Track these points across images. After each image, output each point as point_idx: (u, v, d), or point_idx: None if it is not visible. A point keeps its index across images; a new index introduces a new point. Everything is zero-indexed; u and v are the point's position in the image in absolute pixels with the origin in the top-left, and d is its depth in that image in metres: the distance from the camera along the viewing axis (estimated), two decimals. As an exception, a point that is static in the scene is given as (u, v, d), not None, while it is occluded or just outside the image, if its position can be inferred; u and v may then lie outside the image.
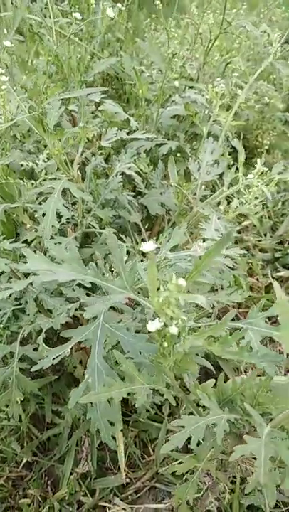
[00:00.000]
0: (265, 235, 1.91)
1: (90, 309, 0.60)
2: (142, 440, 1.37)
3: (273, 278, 1.68)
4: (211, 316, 1.31)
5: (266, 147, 2.41)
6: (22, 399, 1.10)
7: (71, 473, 1.28)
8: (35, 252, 0.62)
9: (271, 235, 1.92)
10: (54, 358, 0.75)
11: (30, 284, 1.00)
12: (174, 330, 0.57)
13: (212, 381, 0.68)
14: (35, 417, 1.40)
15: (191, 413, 0.74)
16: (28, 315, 1.16)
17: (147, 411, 1.28)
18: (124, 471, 1.22)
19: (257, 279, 1.66)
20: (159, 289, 0.55)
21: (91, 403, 1.06)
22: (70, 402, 0.72)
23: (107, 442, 0.69)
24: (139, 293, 0.71)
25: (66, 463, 1.29)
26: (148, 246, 0.51)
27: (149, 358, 0.71)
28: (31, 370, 0.79)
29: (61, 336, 1.37)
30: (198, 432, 0.58)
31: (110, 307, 0.75)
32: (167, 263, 0.81)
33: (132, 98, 1.77)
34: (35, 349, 1.12)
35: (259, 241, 1.84)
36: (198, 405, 0.74)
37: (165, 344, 0.61)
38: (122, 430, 1.22)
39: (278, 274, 1.68)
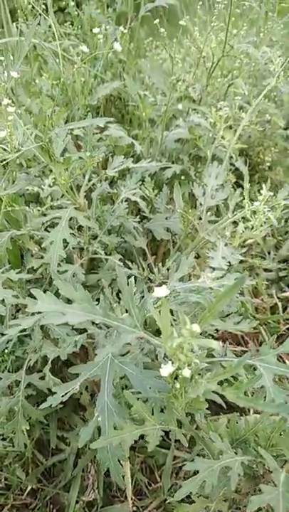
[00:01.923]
0: (268, 253, 1.90)
1: (101, 352, 0.59)
2: (148, 466, 1.35)
3: (278, 298, 1.67)
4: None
5: (268, 164, 2.42)
6: (28, 428, 1.09)
7: (77, 502, 1.26)
8: (45, 291, 0.61)
9: (275, 253, 1.91)
10: (63, 395, 0.74)
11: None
12: (186, 373, 0.56)
13: (224, 420, 0.67)
14: (39, 443, 1.39)
15: (202, 449, 0.73)
16: (34, 341, 1.15)
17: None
18: (131, 499, 1.20)
19: (262, 300, 1.65)
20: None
21: None
22: (80, 441, 0.71)
23: (117, 481, 0.68)
24: (149, 329, 0.70)
25: (72, 490, 1.27)
26: (161, 291, 0.51)
27: (159, 396, 0.70)
28: (40, 406, 0.77)
29: (67, 361, 1.36)
30: (212, 476, 0.57)
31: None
32: (176, 296, 0.80)
33: (135, 119, 1.78)
34: (42, 378, 1.11)
35: (263, 259, 1.84)
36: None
37: (177, 385, 0.60)
38: (128, 457, 1.21)
39: (283, 294, 1.67)
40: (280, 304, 1.65)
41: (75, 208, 0.99)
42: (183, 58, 1.68)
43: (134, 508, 1.25)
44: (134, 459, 1.32)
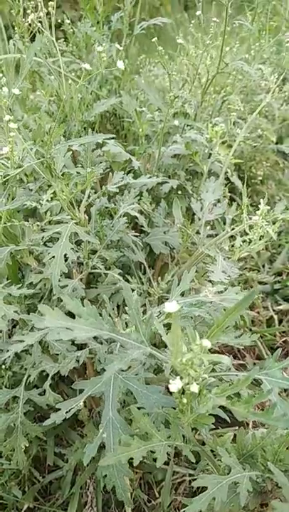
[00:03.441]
0: (263, 266, 1.92)
1: (109, 369, 0.59)
2: (147, 482, 1.34)
3: (274, 311, 1.68)
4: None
5: (260, 178, 2.45)
6: (27, 444, 1.07)
7: (75, 520, 1.24)
8: (52, 308, 0.61)
9: (269, 266, 1.93)
10: (67, 412, 0.74)
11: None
12: (194, 388, 0.56)
13: (230, 434, 0.67)
14: (36, 460, 1.37)
15: (206, 465, 0.72)
16: (31, 355, 1.14)
17: (152, 452, 1.26)
18: (131, 516, 1.19)
19: (258, 312, 1.66)
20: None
21: None
22: (85, 458, 0.70)
23: (123, 500, 0.68)
24: (155, 344, 0.70)
25: (70, 508, 1.25)
26: (171, 307, 0.51)
27: (165, 412, 0.70)
28: (44, 423, 0.77)
29: (64, 377, 1.35)
30: (221, 492, 0.57)
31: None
32: (180, 311, 0.80)
33: (130, 134, 1.80)
34: (40, 394, 1.10)
35: (258, 272, 1.85)
36: (214, 456, 0.73)
37: (184, 401, 0.60)
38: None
39: (279, 307, 1.68)
40: (276, 317, 1.66)
41: (75, 223, 1.00)
42: (177, 75, 1.70)
43: (133, 526, 1.24)
44: (132, 474, 1.31)
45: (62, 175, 0.97)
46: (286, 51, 1.45)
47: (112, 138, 1.13)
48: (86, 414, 1.25)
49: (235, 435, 0.74)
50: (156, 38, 1.22)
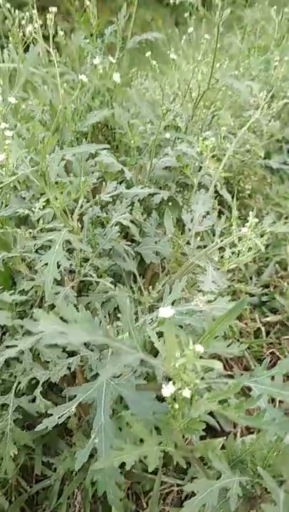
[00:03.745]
0: (251, 278, 1.94)
1: (104, 372, 0.60)
2: (134, 492, 1.34)
3: (261, 323, 1.70)
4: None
5: (248, 192, 2.50)
6: (16, 452, 1.07)
7: (62, 530, 1.23)
8: (49, 308, 0.62)
9: (257, 279, 1.96)
10: (59, 417, 0.74)
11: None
12: (186, 393, 0.57)
13: (219, 440, 0.68)
14: (23, 469, 1.36)
15: (196, 472, 0.73)
16: (21, 362, 1.14)
17: (140, 461, 1.26)
18: (118, 526, 1.18)
19: (246, 324, 1.68)
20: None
21: None
22: (77, 464, 0.71)
23: (114, 506, 0.68)
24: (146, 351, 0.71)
25: (57, 519, 1.24)
26: (166, 312, 0.53)
27: (156, 418, 0.71)
28: (36, 429, 0.77)
29: (53, 385, 1.35)
30: (212, 497, 0.58)
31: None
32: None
33: (122, 146, 1.82)
34: (30, 401, 1.10)
35: (246, 284, 1.88)
36: (204, 463, 0.74)
37: (176, 406, 0.62)
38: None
39: (266, 319, 1.71)
40: (263, 329, 1.68)
41: (69, 231, 1.01)
42: (169, 88, 1.74)
43: (121, 536, 1.23)
44: (123, 481, 1.30)
45: (56, 183, 0.98)
46: (274, 69, 1.49)
47: (106, 148, 1.14)
48: (75, 422, 1.25)
49: (224, 444, 0.75)
50: (149, 53, 1.25)
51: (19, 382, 1.07)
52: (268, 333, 1.69)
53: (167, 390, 0.56)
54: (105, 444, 0.70)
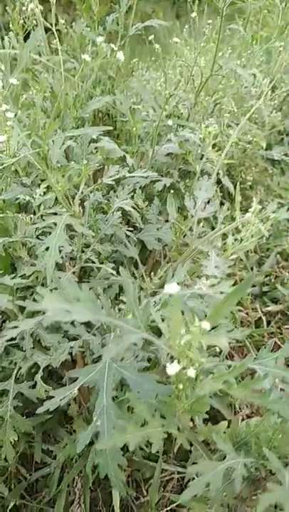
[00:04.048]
0: (251, 268, 1.94)
1: (107, 351, 0.59)
2: (134, 480, 1.33)
3: (262, 312, 1.70)
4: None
5: (249, 183, 2.48)
6: (16, 438, 1.06)
7: (62, 518, 1.23)
8: (51, 290, 0.61)
9: (258, 269, 1.95)
10: (61, 400, 0.73)
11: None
12: (191, 373, 0.57)
13: (224, 423, 0.67)
14: (23, 457, 1.35)
15: (200, 456, 0.72)
16: (23, 351, 1.13)
17: (141, 449, 1.25)
18: (118, 514, 1.18)
19: (247, 314, 1.67)
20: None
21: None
22: (79, 446, 0.70)
23: (117, 488, 0.67)
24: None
25: (57, 506, 1.23)
26: (172, 288, 0.52)
27: (158, 400, 0.70)
28: (37, 411, 0.76)
29: (53, 372, 1.34)
30: (216, 478, 0.57)
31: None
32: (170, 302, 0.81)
33: (123, 134, 1.81)
34: (31, 387, 1.09)
35: (247, 272, 1.87)
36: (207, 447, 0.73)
37: (180, 386, 0.61)
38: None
39: (267, 308, 1.70)
40: (264, 318, 1.67)
41: (70, 216, 1.00)
42: (171, 74, 1.72)
43: (121, 524, 1.23)
44: (125, 462, 1.29)
45: (58, 167, 0.97)
46: (278, 55, 1.48)
47: (108, 131, 1.13)
48: (76, 409, 1.25)
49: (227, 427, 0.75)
50: (152, 36, 1.24)
51: (20, 368, 1.06)
52: (268, 322, 1.68)
53: (172, 368, 0.55)
54: (108, 426, 0.69)
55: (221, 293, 0.87)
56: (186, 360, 0.54)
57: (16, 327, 0.70)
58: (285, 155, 2.63)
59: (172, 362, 0.57)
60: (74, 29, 1.94)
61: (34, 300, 0.93)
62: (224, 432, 0.72)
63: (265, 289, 1.82)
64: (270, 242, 2.04)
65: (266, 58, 2.66)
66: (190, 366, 0.56)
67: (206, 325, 0.51)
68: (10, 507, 1.26)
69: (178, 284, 0.88)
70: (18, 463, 1.32)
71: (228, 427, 0.70)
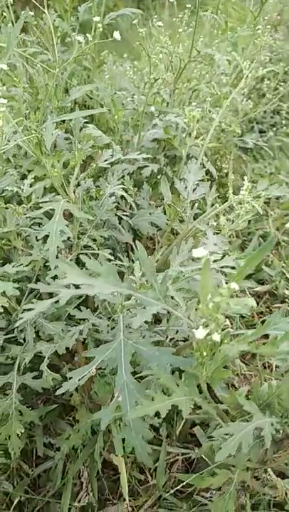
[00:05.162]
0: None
1: (136, 320, 0.59)
2: (138, 466, 1.34)
3: (250, 294, 1.73)
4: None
5: (225, 171, 2.52)
6: (22, 431, 1.05)
7: (69, 508, 1.22)
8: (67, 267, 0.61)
9: (241, 253, 1.98)
10: (79, 379, 0.73)
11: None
12: (216, 337, 0.58)
13: (244, 389, 0.69)
14: (23, 452, 1.33)
15: (218, 425, 0.74)
16: (21, 344, 1.12)
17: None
18: (124, 499, 1.18)
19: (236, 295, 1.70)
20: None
21: (119, 424, 1.04)
22: (102, 422, 0.70)
23: (144, 461, 0.68)
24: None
25: (64, 497, 1.22)
26: (200, 252, 0.52)
27: (180, 370, 0.71)
28: (56, 393, 0.76)
29: (50, 365, 1.33)
30: (247, 437, 0.58)
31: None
32: (183, 278, 0.82)
33: (101, 124, 1.80)
34: (35, 377, 1.08)
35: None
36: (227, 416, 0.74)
37: (204, 353, 0.62)
38: (122, 456, 1.19)
39: (255, 289, 1.73)
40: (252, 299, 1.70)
41: (67, 202, 0.99)
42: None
43: (130, 509, 1.23)
44: (124, 458, 1.30)
45: (54, 152, 0.96)
46: (256, 38, 1.50)
47: (87, 122, 1.13)
48: (78, 399, 1.24)
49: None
50: (136, 20, 1.24)
51: (23, 359, 1.04)
52: (257, 303, 1.72)
53: (200, 332, 0.56)
54: (130, 400, 0.69)
55: (225, 267, 0.89)
56: (213, 324, 0.55)
57: (31, 309, 0.69)
58: (256, 143, 2.69)
59: (197, 328, 0.58)
60: (45, 20, 1.92)
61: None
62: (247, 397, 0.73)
63: (249, 271, 1.85)
64: (252, 226, 2.08)
65: (232, 48, 2.71)
66: (216, 330, 0.57)
67: (235, 285, 0.52)
68: (15, 503, 1.25)
69: (182, 261, 0.89)
70: (20, 458, 1.31)
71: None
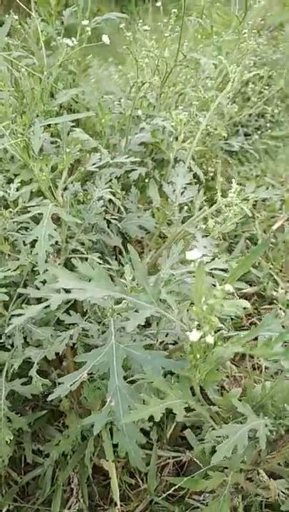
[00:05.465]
0: (223, 256, 1.97)
1: (130, 323, 0.59)
2: (128, 471, 1.33)
3: (238, 295, 1.73)
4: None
5: (211, 174, 2.53)
6: (11, 438, 1.03)
7: (60, 515, 1.21)
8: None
9: (228, 255, 1.99)
10: (71, 384, 0.72)
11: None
12: (210, 339, 0.58)
13: (237, 390, 0.69)
14: (12, 460, 1.31)
15: (211, 427, 0.74)
16: (9, 350, 1.10)
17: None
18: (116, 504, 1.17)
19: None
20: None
21: (110, 429, 1.03)
22: (95, 427, 0.69)
23: (138, 466, 0.67)
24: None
25: (54, 504, 1.21)
26: (194, 254, 0.52)
27: (171, 373, 0.71)
28: (47, 399, 0.75)
29: (38, 371, 1.31)
30: (242, 439, 0.58)
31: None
32: (174, 280, 0.82)
33: (88, 128, 1.80)
34: (24, 383, 1.06)
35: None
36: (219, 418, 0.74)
37: (198, 356, 0.62)
38: (112, 461, 1.18)
39: (243, 291, 1.74)
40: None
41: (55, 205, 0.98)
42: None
43: (121, 514, 1.22)
44: (115, 463, 1.29)
45: (42, 156, 0.96)
46: (242, 42, 1.52)
47: (73, 126, 1.13)
48: (67, 404, 1.23)
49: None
50: (123, 25, 1.24)
51: (11, 365, 1.03)
52: (245, 306, 1.72)
53: (194, 334, 0.56)
54: (122, 405, 0.69)
55: (214, 270, 0.89)
56: (207, 326, 0.55)
57: (20, 314, 0.68)
58: (241, 147, 2.71)
59: (191, 331, 0.58)
60: (29, 24, 1.91)
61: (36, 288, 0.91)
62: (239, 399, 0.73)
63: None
64: (238, 228, 2.10)
65: (218, 52, 2.73)
66: (210, 333, 0.57)
67: (229, 287, 0.52)
68: (4, 511, 1.23)
69: (172, 264, 0.89)
70: (9, 466, 1.29)
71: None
